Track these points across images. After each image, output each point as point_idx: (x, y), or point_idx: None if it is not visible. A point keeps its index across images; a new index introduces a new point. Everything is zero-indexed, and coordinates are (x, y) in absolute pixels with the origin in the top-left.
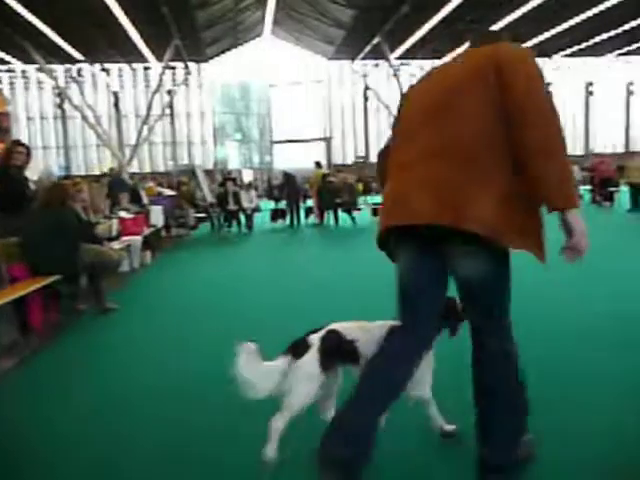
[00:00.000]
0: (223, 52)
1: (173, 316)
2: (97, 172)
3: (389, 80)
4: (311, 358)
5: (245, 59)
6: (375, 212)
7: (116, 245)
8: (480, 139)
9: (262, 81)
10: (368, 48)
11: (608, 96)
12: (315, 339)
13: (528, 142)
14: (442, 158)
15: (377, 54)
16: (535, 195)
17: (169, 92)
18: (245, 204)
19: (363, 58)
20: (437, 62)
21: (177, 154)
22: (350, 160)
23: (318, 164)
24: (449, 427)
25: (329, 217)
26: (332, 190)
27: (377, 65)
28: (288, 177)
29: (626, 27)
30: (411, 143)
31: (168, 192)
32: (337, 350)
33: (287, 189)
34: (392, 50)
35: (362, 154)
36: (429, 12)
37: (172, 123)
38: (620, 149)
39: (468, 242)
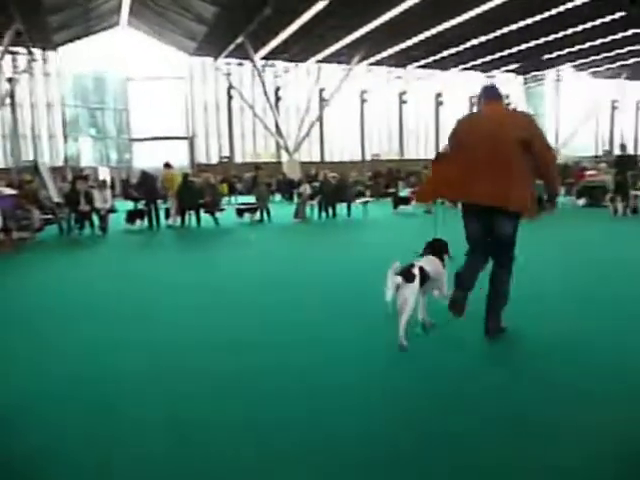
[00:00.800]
0: (74, 40)
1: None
2: None
3: (254, 80)
4: (416, 282)
5: (100, 49)
6: (240, 212)
7: None
8: (515, 158)
9: (119, 74)
10: (232, 47)
11: (455, 106)
12: (415, 271)
13: (546, 166)
14: (494, 166)
15: (241, 53)
16: (546, 187)
17: (10, 80)
18: (98, 204)
19: (227, 56)
20: (301, 65)
21: (20, 149)
22: (214, 160)
23: (167, 165)
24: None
25: (191, 218)
26: (194, 190)
27: (241, 64)
28: (146, 176)
29: (468, 45)
30: (475, 154)
31: (7, 191)
32: (424, 276)
33: (145, 189)
34: (256, 50)
35: (227, 154)
36: (291, 16)
37: (13, 114)
38: None
39: (507, 214)
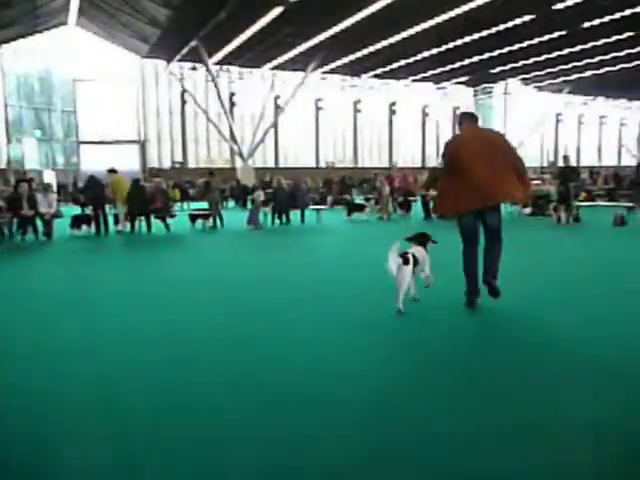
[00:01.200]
0: (19, 38)
1: None
2: None
3: (207, 85)
4: (410, 264)
5: (47, 48)
6: (193, 219)
7: None
8: (506, 165)
9: (66, 74)
10: (185, 50)
11: (408, 116)
12: (410, 256)
13: (521, 171)
14: (493, 172)
15: (195, 57)
16: (522, 184)
17: None
18: (43, 209)
19: (180, 60)
20: (255, 70)
21: None
22: (167, 164)
23: (112, 170)
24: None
25: (141, 224)
26: (144, 196)
27: (195, 68)
28: (93, 181)
29: (419, 57)
30: (474, 166)
31: None
32: (415, 260)
33: (91, 193)
34: (210, 55)
35: (180, 159)
36: (246, 21)
37: None
38: (418, 164)
39: (498, 208)
